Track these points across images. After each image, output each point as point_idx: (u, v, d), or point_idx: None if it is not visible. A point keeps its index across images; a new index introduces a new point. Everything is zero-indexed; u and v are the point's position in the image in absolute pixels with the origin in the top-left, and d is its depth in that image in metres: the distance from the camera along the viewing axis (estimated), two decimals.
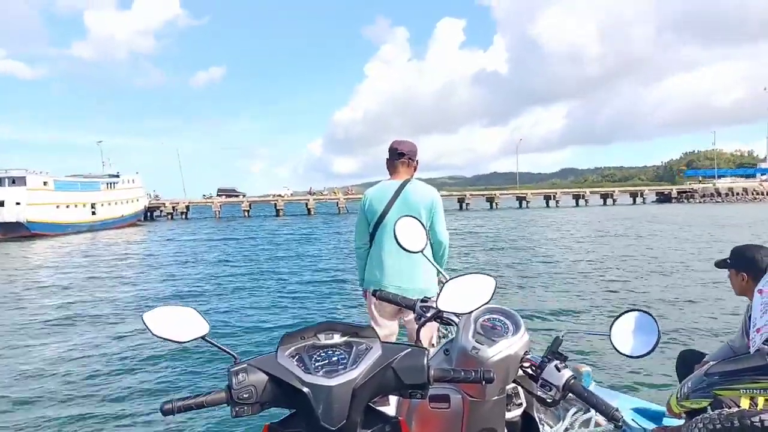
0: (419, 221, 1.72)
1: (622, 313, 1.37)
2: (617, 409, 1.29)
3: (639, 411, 2.97)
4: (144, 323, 1.14)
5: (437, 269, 1.76)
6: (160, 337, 1.13)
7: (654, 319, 1.34)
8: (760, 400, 1.95)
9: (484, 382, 1.14)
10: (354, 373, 1.02)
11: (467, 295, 1.30)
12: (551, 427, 2.53)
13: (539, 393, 1.36)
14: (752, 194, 67.46)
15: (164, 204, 61.97)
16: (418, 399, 1.14)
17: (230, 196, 71.02)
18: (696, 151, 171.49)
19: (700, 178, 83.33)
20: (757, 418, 1.80)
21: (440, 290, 1.34)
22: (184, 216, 59.85)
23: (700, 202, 67.16)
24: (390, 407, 1.47)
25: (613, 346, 1.34)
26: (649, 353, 1.31)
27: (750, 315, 2.21)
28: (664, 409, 2.68)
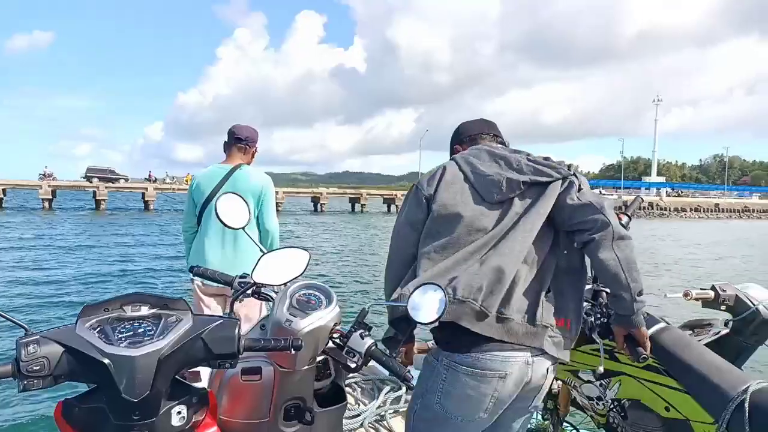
0: (242, 198, 1.71)
1: (417, 287, 1.42)
2: (408, 371, 1.43)
3: None
4: None
5: (259, 247, 1.69)
6: None
7: (441, 288, 1.40)
8: None
9: (293, 350, 1.19)
10: (160, 344, 1.01)
11: (283, 267, 1.42)
12: (365, 405, 2.85)
13: (345, 360, 1.41)
14: (657, 209, 62.14)
15: None
16: (229, 370, 1.22)
17: (105, 179, 47.97)
18: None
19: (600, 189, 79.19)
20: None
21: (256, 264, 1.40)
22: None
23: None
24: (202, 383, 1.46)
25: (410, 315, 1.39)
26: (437, 320, 1.38)
27: None
28: None
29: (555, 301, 1.67)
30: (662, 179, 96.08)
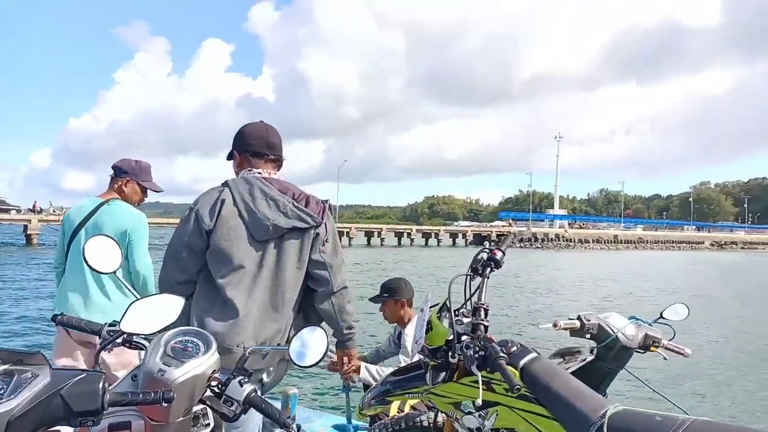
0: (115, 241, 1.66)
1: (301, 329, 1.49)
2: (290, 417, 1.46)
3: (339, 428, 3.42)
4: None
5: (132, 292, 1.63)
6: None
7: (324, 331, 1.49)
8: (408, 405, 2.69)
9: (164, 403, 1.14)
10: (10, 404, 0.95)
11: (154, 315, 1.35)
12: None
13: (223, 410, 1.38)
14: (563, 240, 66.39)
15: None
16: (93, 427, 1.15)
17: None
18: (435, 196, 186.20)
19: (510, 221, 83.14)
20: (418, 419, 2.27)
21: (125, 311, 1.34)
22: None
23: (519, 246, 64.24)
24: None
25: (290, 359, 1.46)
26: (318, 363, 1.46)
27: (399, 331, 3.37)
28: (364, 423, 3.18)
29: (303, 318, 2.20)
30: (564, 211, 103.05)
